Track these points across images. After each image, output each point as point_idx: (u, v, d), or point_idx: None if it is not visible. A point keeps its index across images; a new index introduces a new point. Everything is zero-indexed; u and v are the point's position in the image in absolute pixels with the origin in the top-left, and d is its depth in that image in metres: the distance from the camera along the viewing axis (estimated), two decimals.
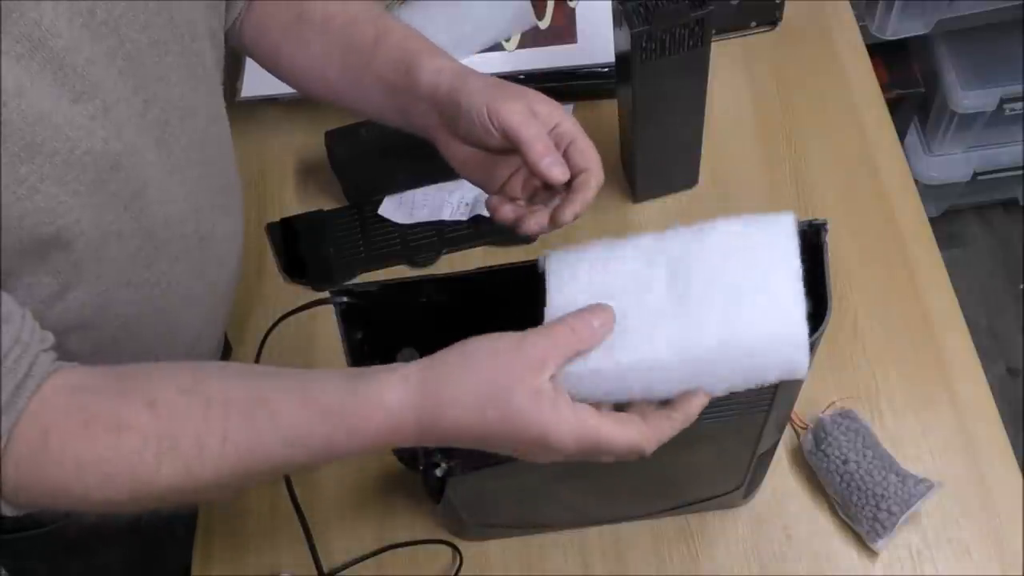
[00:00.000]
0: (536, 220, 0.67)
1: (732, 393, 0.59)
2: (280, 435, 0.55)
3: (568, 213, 0.66)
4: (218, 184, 0.74)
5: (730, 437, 0.70)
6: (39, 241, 0.56)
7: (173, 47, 0.63)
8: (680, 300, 0.58)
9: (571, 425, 0.55)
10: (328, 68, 0.76)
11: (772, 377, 0.58)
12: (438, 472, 0.65)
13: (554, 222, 0.67)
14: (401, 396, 0.55)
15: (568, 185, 0.67)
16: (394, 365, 0.57)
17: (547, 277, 0.62)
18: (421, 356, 0.59)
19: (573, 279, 0.61)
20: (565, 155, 0.67)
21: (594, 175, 0.67)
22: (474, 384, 0.55)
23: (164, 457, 0.54)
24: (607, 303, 0.58)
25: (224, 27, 0.75)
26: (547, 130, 0.68)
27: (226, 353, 0.94)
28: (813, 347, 0.60)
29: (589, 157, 0.68)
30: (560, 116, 0.69)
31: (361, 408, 0.55)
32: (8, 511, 0.56)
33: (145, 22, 0.60)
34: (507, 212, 0.69)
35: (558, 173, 0.66)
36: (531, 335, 0.56)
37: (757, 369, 0.57)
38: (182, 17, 0.64)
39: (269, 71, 0.81)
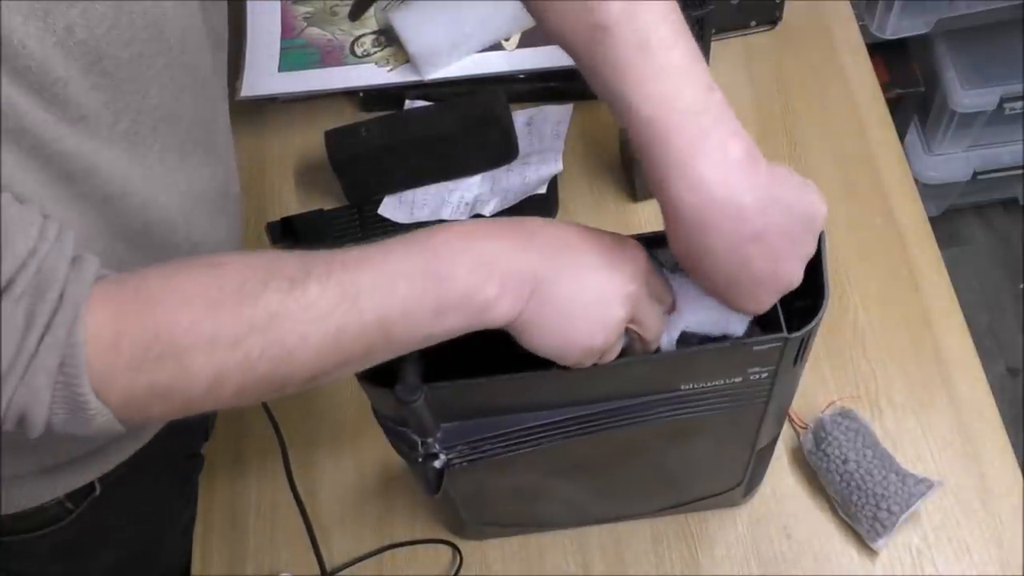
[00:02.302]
0: None
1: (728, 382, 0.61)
2: (384, 244, 0.55)
3: None
4: (211, 190, 0.72)
5: (729, 431, 0.70)
6: None
7: (158, 60, 0.61)
8: None
9: (642, 248, 0.59)
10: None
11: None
12: (436, 464, 0.65)
13: None
14: None
15: None
16: None
17: None
18: (423, 359, 0.59)
19: None
20: None
21: None
22: None
23: (269, 280, 0.52)
24: None
25: None
26: None
27: None
28: (811, 336, 0.60)
29: None
30: None
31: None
32: (100, 412, 0.51)
33: (130, 38, 0.57)
34: None
35: None
36: None
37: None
38: (173, 29, 0.62)
39: None
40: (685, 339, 0.62)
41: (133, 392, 0.51)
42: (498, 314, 0.55)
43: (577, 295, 0.56)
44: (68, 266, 0.50)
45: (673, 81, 0.55)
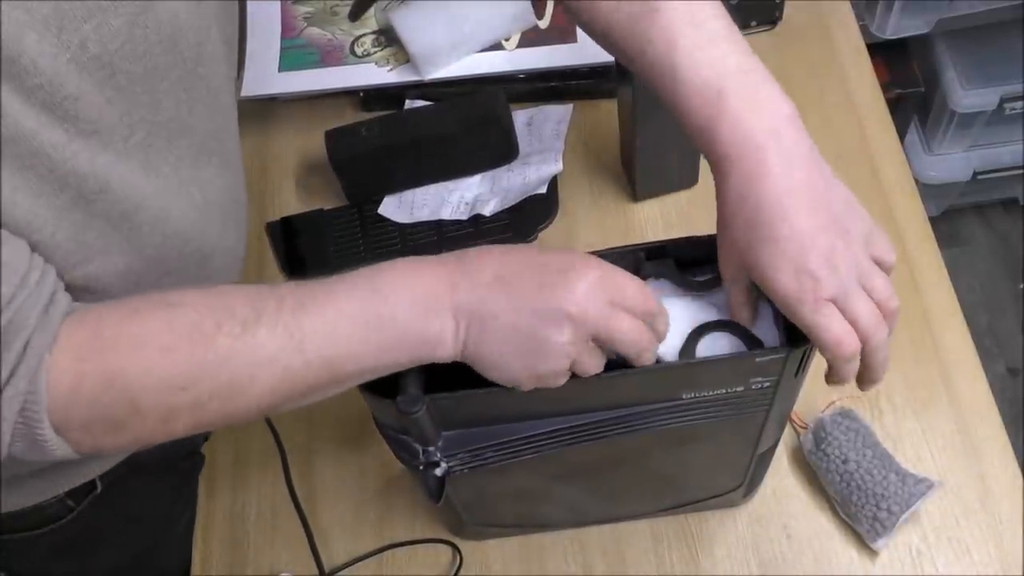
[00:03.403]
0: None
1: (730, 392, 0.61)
2: (330, 283, 0.56)
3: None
4: (223, 200, 0.73)
5: (730, 437, 0.70)
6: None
7: (172, 73, 0.61)
8: None
9: (598, 264, 0.58)
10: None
11: None
12: (438, 472, 0.65)
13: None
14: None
15: None
16: None
17: None
18: (424, 370, 0.59)
19: None
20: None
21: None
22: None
23: (222, 322, 0.53)
24: None
25: None
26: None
27: None
28: (813, 348, 0.60)
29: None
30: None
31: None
32: (58, 447, 0.53)
33: (144, 52, 0.58)
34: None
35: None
36: None
37: None
38: (188, 42, 0.62)
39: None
40: (701, 331, 0.63)
41: (89, 428, 0.54)
42: (443, 350, 0.57)
43: (516, 326, 0.56)
44: (40, 314, 0.52)
45: (721, 48, 0.58)
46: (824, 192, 0.58)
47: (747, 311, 0.61)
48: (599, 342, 0.58)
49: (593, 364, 0.58)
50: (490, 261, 0.58)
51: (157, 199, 0.64)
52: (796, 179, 0.57)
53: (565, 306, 0.56)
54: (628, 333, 0.58)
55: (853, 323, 0.58)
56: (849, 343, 0.57)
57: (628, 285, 0.58)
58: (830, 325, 0.57)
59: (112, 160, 0.58)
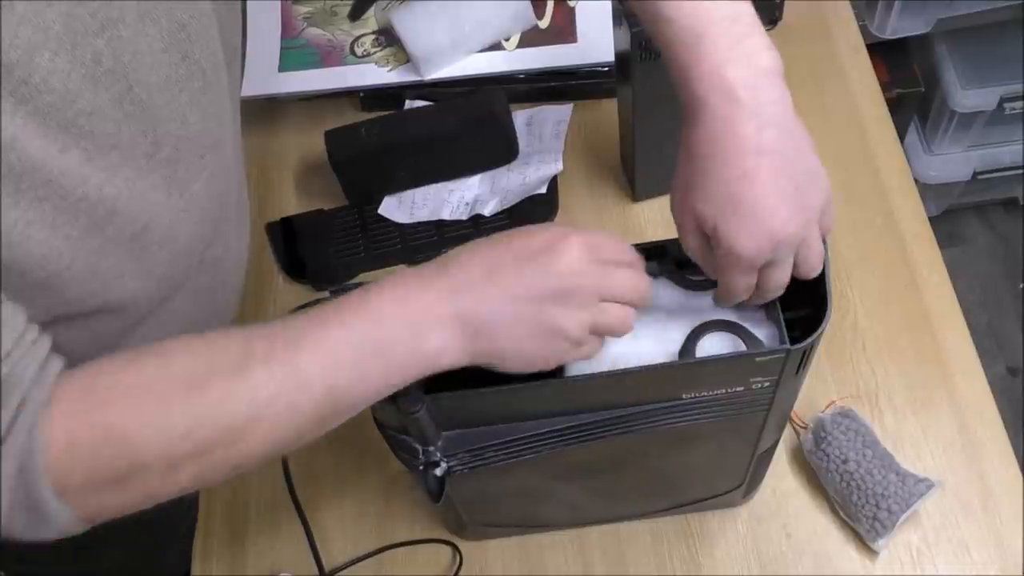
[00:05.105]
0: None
1: (730, 392, 0.61)
2: (319, 315, 0.55)
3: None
4: (234, 209, 0.73)
5: (730, 437, 0.70)
6: (28, 283, 0.54)
7: (191, 84, 0.60)
8: None
9: (574, 231, 0.57)
10: None
11: None
12: (438, 472, 0.65)
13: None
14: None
15: None
16: None
17: None
18: None
19: None
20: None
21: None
22: None
23: (215, 366, 0.53)
24: None
25: None
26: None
27: None
28: (813, 347, 0.60)
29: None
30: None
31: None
32: (59, 511, 0.51)
33: (152, 62, 0.56)
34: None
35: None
36: None
37: None
38: (203, 52, 0.60)
39: None
40: (701, 331, 0.63)
41: (91, 487, 0.52)
42: (448, 360, 0.57)
43: (518, 318, 0.56)
44: (36, 371, 0.51)
45: None
46: (792, 158, 0.57)
47: (704, 257, 0.61)
48: (604, 300, 0.58)
49: (615, 321, 0.58)
50: (472, 260, 0.58)
51: (169, 216, 0.62)
52: (766, 139, 0.56)
53: (560, 283, 0.56)
54: (625, 283, 0.58)
55: (761, 283, 0.59)
56: (741, 296, 0.60)
57: (606, 242, 0.59)
58: (738, 285, 0.59)
59: (130, 178, 0.57)
